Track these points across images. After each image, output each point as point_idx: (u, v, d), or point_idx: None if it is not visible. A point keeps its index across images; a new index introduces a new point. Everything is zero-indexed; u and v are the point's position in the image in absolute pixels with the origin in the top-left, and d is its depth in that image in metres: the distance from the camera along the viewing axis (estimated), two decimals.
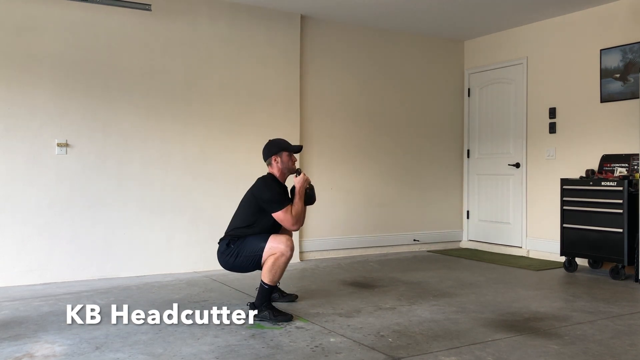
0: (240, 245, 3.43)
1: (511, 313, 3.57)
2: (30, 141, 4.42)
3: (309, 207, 3.67)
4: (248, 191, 3.64)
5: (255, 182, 3.62)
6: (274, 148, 3.65)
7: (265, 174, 3.67)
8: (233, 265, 3.50)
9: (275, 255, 3.35)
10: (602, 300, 3.94)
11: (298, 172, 3.61)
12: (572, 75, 5.52)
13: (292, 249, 3.38)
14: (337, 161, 5.87)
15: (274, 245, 3.36)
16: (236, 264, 3.47)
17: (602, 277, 4.76)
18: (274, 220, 3.49)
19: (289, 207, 3.47)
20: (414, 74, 6.38)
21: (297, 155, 3.83)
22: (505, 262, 5.52)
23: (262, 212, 3.50)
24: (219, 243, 3.56)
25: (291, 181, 3.63)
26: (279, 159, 3.62)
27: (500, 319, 3.42)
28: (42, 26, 4.48)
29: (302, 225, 3.56)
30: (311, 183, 3.65)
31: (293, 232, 3.74)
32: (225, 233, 3.58)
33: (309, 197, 3.61)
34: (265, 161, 3.69)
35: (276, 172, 3.64)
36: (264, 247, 3.37)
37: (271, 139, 3.74)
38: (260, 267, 3.43)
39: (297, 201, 3.53)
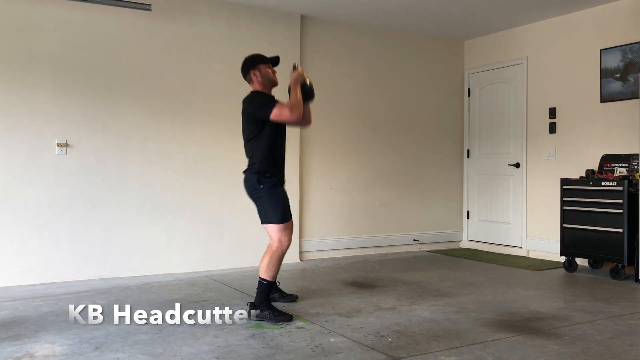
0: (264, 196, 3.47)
1: (511, 313, 3.58)
2: (30, 141, 4.42)
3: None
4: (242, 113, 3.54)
5: (243, 101, 3.53)
6: (250, 63, 3.57)
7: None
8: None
9: (272, 249, 3.39)
10: (602, 300, 3.94)
11: (294, 67, 3.49)
12: (572, 75, 5.52)
13: (288, 241, 3.43)
14: (337, 161, 5.87)
15: (272, 237, 3.42)
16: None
17: (602, 277, 4.76)
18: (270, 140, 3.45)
19: (280, 103, 3.35)
20: (414, 73, 6.38)
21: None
22: (505, 262, 5.52)
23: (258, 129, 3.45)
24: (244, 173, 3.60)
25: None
26: (257, 73, 3.53)
27: (500, 319, 3.42)
28: (42, 26, 4.48)
29: (301, 113, 3.36)
30: (309, 79, 3.50)
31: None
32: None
33: (307, 92, 3.45)
34: (245, 79, 3.61)
35: (259, 88, 3.54)
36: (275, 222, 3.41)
37: (246, 56, 3.63)
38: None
39: (292, 93, 3.41)
